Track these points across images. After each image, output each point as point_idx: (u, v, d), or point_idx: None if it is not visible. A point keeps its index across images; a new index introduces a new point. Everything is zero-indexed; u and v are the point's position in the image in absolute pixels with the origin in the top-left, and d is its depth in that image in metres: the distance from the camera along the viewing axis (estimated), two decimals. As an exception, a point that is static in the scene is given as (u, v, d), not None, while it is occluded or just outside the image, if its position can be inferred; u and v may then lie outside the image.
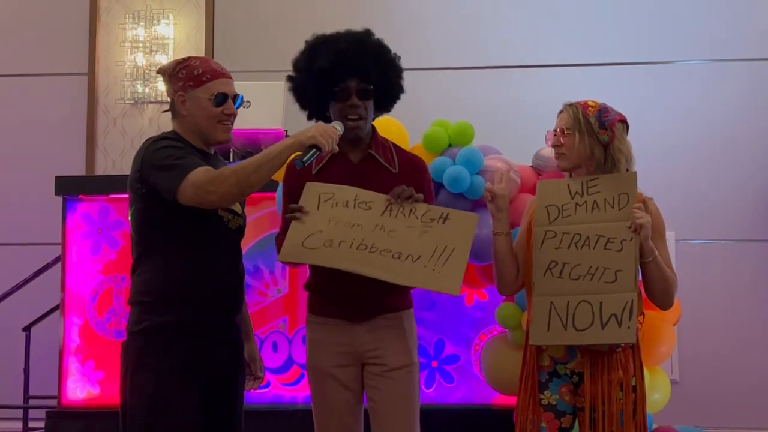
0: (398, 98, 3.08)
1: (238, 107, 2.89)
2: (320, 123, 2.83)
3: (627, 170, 2.94)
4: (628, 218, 2.82)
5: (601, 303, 2.80)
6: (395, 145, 3.09)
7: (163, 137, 2.81)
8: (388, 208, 2.85)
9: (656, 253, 2.85)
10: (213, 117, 2.82)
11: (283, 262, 2.99)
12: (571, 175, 3.01)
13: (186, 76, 2.82)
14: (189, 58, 2.90)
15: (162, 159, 2.70)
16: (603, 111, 2.96)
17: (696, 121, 6.04)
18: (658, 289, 2.91)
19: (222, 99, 2.83)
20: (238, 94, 2.89)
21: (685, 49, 6.15)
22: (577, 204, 2.91)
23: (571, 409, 2.90)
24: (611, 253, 2.82)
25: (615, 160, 2.93)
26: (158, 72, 2.95)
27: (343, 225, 2.83)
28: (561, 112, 3.02)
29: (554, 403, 2.90)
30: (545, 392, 2.91)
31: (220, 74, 2.85)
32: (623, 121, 3.00)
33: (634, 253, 2.81)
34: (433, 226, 2.83)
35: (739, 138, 6.00)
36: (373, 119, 3.06)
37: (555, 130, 2.99)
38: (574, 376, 2.91)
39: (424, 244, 2.80)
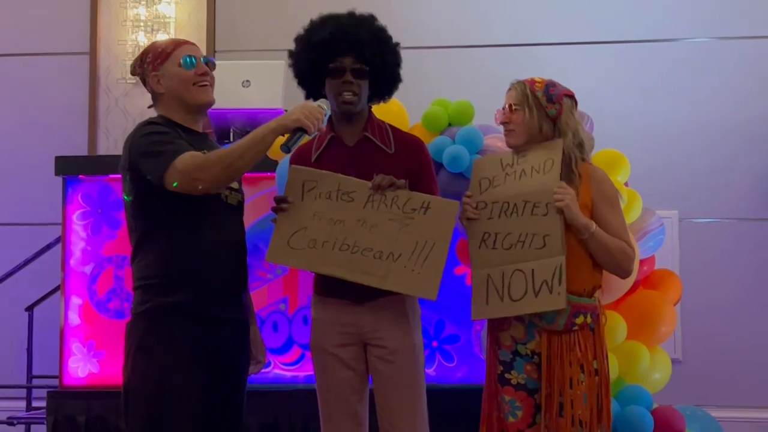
0: (395, 87, 3.07)
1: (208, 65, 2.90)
2: (306, 102, 2.82)
3: (579, 145, 2.90)
4: (554, 182, 2.79)
5: (532, 270, 2.78)
6: (392, 126, 3.07)
7: (150, 122, 2.82)
8: (370, 198, 2.82)
9: (593, 228, 2.80)
10: (187, 80, 2.84)
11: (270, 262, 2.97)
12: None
13: (152, 57, 2.87)
14: (151, 43, 2.95)
15: (148, 145, 2.70)
16: (550, 85, 2.94)
17: (701, 100, 5.98)
18: (604, 262, 2.87)
19: (189, 60, 2.84)
20: (209, 57, 2.90)
21: (691, 27, 6.08)
22: (506, 174, 2.89)
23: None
24: (538, 218, 2.79)
25: (562, 133, 2.90)
26: (132, 74, 2.99)
27: (327, 221, 2.82)
28: (509, 90, 2.99)
29: (523, 381, 2.89)
30: (512, 372, 2.89)
31: (183, 42, 2.90)
32: (571, 96, 2.96)
33: (560, 215, 2.77)
34: (415, 216, 2.79)
35: (746, 116, 5.95)
36: (369, 104, 3.04)
37: (503, 108, 2.97)
38: (535, 357, 2.87)
39: (405, 240, 2.78)
